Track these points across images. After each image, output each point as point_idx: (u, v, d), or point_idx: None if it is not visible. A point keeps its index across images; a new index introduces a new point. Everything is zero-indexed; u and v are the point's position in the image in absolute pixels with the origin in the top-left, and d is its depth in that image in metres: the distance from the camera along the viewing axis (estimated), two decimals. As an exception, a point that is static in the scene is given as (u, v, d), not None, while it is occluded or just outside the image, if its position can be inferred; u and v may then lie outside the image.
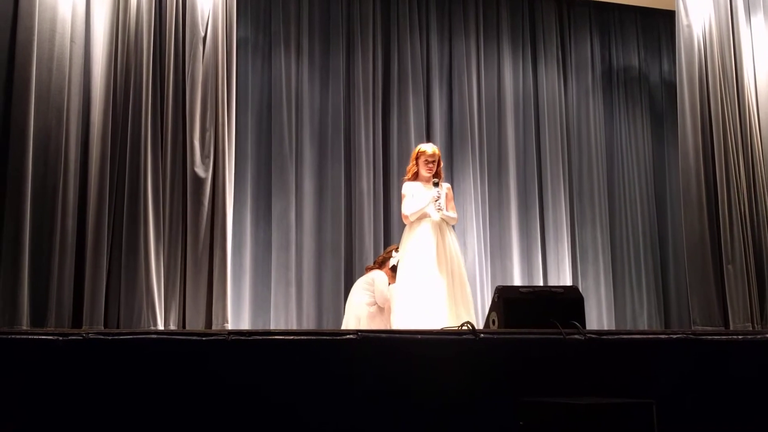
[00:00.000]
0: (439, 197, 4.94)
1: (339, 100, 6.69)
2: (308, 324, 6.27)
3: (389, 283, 5.56)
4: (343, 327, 5.70)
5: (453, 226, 5.13)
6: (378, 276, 5.61)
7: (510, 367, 3.20)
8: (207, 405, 2.94)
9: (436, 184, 5.00)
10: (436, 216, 4.93)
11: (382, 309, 5.57)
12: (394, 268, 5.51)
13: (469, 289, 4.98)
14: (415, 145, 6.61)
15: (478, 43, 7.17)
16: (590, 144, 7.36)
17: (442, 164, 5.18)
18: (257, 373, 3.00)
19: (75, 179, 4.78)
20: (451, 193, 5.16)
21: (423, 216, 4.95)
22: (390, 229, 6.64)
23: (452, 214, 5.05)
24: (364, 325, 5.45)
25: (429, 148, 5.16)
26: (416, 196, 5.00)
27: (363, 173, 6.57)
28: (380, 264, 5.73)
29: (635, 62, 7.72)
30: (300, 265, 6.37)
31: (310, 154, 6.57)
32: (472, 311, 4.93)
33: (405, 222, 5.05)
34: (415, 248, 4.89)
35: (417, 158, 5.12)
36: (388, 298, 5.49)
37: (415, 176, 5.12)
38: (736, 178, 5.88)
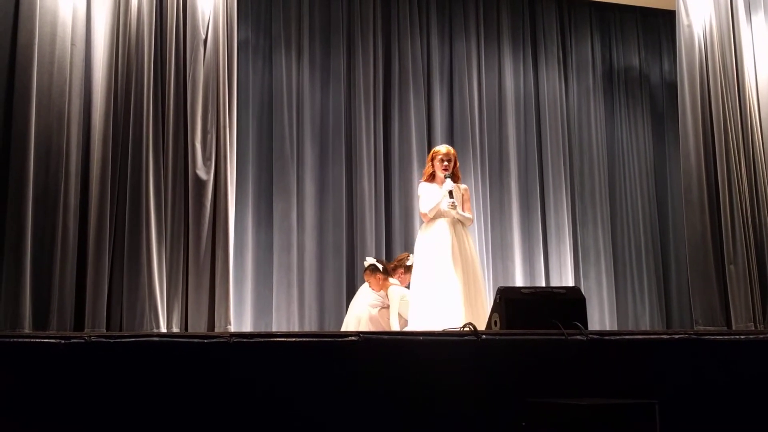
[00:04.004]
0: (451, 191, 4.90)
1: (340, 102, 6.70)
2: (310, 325, 6.27)
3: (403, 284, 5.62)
4: (343, 327, 5.72)
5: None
6: (393, 293, 5.58)
7: (512, 368, 3.19)
8: (209, 407, 2.94)
9: (449, 177, 4.97)
10: (446, 208, 4.90)
11: (385, 312, 5.58)
12: (408, 268, 5.56)
13: (484, 290, 4.96)
14: (417, 147, 6.67)
15: (478, 44, 7.17)
16: (591, 144, 7.36)
17: (458, 165, 5.17)
18: (259, 374, 3.00)
19: (76, 182, 4.78)
20: (468, 194, 5.15)
21: (438, 215, 4.94)
22: (391, 230, 6.64)
23: (467, 214, 5.03)
24: (364, 326, 5.46)
25: (443, 148, 5.19)
26: (432, 194, 5.00)
27: (364, 174, 6.57)
28: (392, 270, 5.73)
29: (636, 62, 7.72)
30: (302, 267, 6.37)
31: (311, 155, 6.57)
32: (487, 312, 4.91)
33: (424, 220, 5.04)
34: (430, 247, 4.89)
35: (432, 159, 5.12)
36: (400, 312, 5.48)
37: (432, 178, 5.11)
38: (737, 178, 5.88)
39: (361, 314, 5.59)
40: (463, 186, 5.14)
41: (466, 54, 7.08)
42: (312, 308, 6.34)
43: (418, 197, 5.11)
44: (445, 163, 5.03)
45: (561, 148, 7.20)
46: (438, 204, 4.93)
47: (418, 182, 5.34)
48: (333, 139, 6.64)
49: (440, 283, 4.76)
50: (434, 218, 4.94)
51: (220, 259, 5.01)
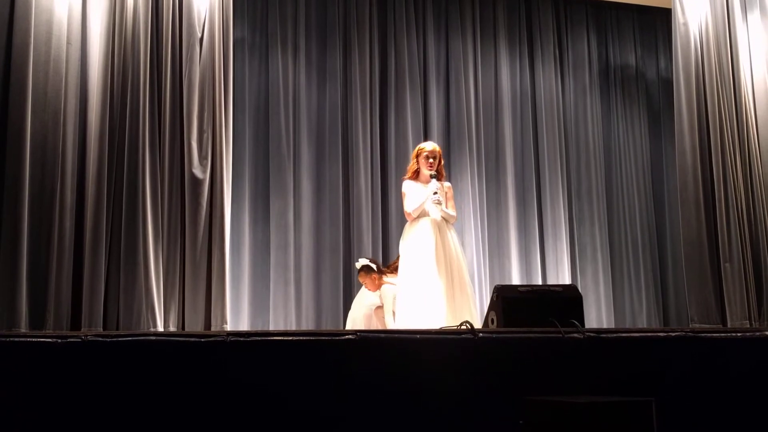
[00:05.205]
0: (436, 192, 4.91)
1: (336, 100, 6.69)
2: (307, 324, 6.27)
3: None
4: (350, 320, 5.70)
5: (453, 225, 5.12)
6: (386, 291, 5.57)
7: (509, 367, 3.20)
8: (206, 406, 2.94)
9: (433, 177, 4.97)
10: (433, 211, 4.91)
11: (380, 311, 5.58)
12: None
13: (470, 288, 4.95)
14: (413, 145, 6.65)
15: (475, 42, 7.17)
16: (588, 142, 7.37)
17: (443, 163, 5.15)
18: (256, 373, 3.00)
19: (72, 181, 4.77)
20: (451, 192, 5.13)
21: (422, 214, 4.93)
22: (388, 229, 6.64)
23: (452, 212, 5.03)
24: (374, 323, 5.47)
25: (429, 145, 5.15)
26: (416, 193, 4.99)
27: (361, 173, 6.57)
28: (396, 270, 5.72)
29: (632, 60, 7.73)
30: (298, 266, 6.37)
31: (308, 154, 6.57)
32: (474, 310, 4.89)
33: (408, 219, 5.04)
34: (414, 247, 4.89)
35: (417, 156, 5.10)
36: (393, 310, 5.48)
37: (416, 175, 5.09)
38: (733, 176, 5.88)
39: (370, 312, 5.59)
40: (446, 184, 5.13)
41: (462, 52, 7.08)
42: (309, 307, 6.34)
43: (403, 194, 5.09)
44: (430, 160, 5.01)
45: (557, 146, 7.21)
46: (422, 203, 4.92)
47: (401, 179, 5.31)
48: (329, 138, 6.64)
49: (424, 283, 4.74)
50: (418, 217, 4.94)
51: (216, 257, 5.00)
